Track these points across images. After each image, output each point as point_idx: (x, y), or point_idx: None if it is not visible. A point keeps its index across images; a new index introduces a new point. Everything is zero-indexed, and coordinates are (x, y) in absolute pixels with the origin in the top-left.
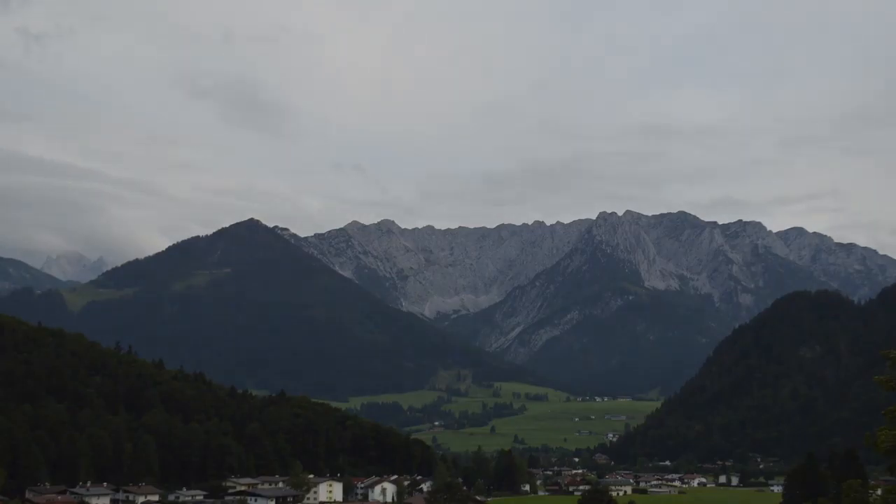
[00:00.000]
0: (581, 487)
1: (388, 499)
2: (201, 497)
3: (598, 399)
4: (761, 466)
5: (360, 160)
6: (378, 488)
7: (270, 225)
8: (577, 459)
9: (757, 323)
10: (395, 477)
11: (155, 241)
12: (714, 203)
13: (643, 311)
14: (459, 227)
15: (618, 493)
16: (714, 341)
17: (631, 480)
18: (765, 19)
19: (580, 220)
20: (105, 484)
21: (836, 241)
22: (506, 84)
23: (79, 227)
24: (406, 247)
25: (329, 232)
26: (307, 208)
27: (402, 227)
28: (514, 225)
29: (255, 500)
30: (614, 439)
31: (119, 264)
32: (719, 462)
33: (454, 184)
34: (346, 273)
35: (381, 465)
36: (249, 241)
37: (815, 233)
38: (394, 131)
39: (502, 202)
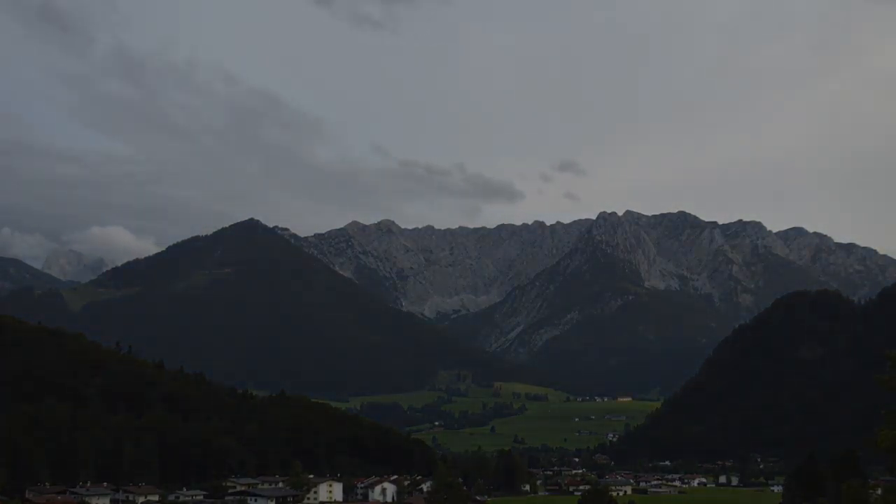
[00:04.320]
0: (581, 487)
1: (388, 499)
2: (201, 497)
3: (598, 399)
4: (761, 466)
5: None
6: (378, 488)
7: (270, 225)
8: (577, 459)
9: (757, 323)
10: (395, 477)
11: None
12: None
13: (643, 311)
14: (459, 227)
15: (618, 494)
16: (714, 341)
17: (631, 480)
18: None
19: (580, 220)
20: (105, 484)
21: (836, 241)
22: None
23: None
24: (406, 247)
25: (329, 232)
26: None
27: (402, 227)
28: (514, 225)
29: (255, 500)
30: (614, 439)
31: (119, 264)
32: (719, 462)
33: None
34: (346, 273)
35: (381, 465)
36: (249, 241)
37: (815, 233)
38: None
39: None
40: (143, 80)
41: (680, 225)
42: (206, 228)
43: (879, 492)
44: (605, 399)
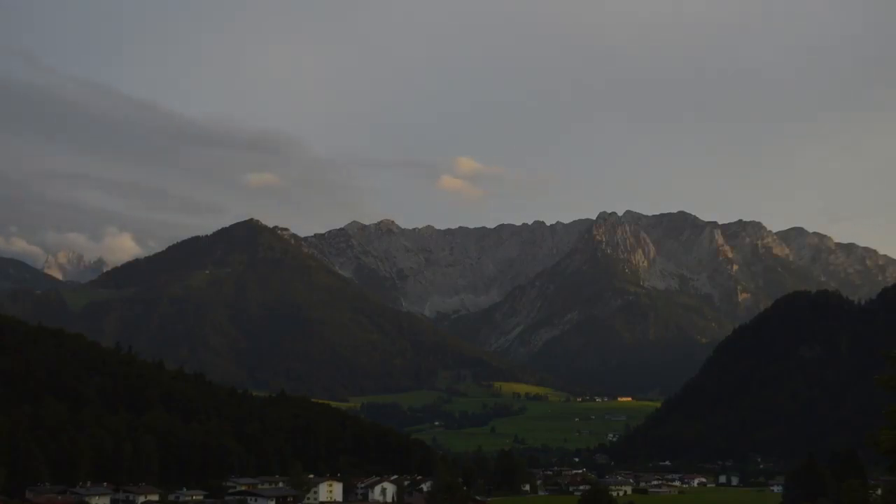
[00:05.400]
0: (581, 487)
1: (388, 499)
2: (201, 497)
3: (598, 399)
4: (761, 466)
5: None
6: (378, 488)
7: (270, 225)
8: (577, 459)
9: (757, 323)
10: (395, 477)
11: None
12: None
13: (643, 311)
14: (459, 227)
15: (618, 493)
16: (714, 341)
17: (631, 480)
18: None
19: (580, 220)
20: (105, 484)
21: (836, 240)
22: None
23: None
24: (406, 247)
25: (329, 232)
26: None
27: (402, 227)
28: (514, 225)
29: (255, 500)
30: (614, 439)
31: (119, 264)
32: (719, 462)
33: None
34: (346, 273)
35: (381, 465)
36: (249, 241)
37: (815, 233)
38: None
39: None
40: None
41: (680, 225)
42: (206, 228)
43: (879, 492)
44: (605, 399)
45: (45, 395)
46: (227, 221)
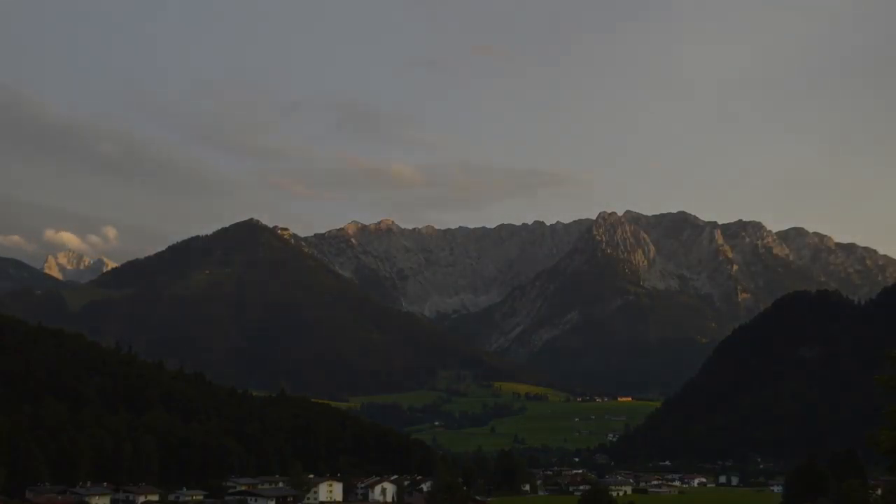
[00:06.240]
0: (581, 487)
1: (388, 499)
2: (201, 497)
3: (598, 399)
4: (761, 466)
5: None
6: (378, 488)
7: (270, 225)
8: (577, 459)
9: (757, 323)
10: (395, 477)
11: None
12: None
13: (643, 311)
14: (459, 227)
15: (618, 493)
16: (714, 341)
17: (631, 480)
18: None
19: (580, 220)
20: (105, 484)
21: (836, 240)
22: None
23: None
24: (406, 247)
25: (329, 232)
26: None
27: (402, 227)
28: (514, 225)
29: (255, 500)
30: (614, 439)
31: (119, 264)
32: (719, 462)
33: None
34: (346, 273)
35: (381, 465)
36: (249, 241)
37: (815, 233)
38: None
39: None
40: None
41: (680, 225)
42: (206, 228)
43: (879, 492)
44: (605, 399)
45: (45, 395)
46: (227, 221)
